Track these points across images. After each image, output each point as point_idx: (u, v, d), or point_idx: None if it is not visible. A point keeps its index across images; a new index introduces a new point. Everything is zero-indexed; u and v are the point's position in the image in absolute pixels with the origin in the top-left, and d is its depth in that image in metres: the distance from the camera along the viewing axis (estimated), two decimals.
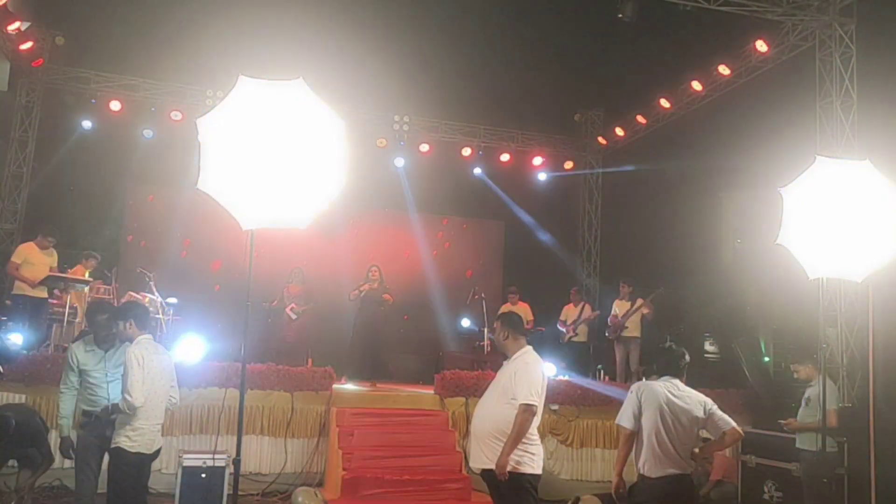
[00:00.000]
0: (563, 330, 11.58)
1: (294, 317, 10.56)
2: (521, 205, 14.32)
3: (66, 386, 5.10)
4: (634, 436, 4.57)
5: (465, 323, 12.20)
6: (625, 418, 4.60)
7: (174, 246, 12.50)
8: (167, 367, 5.05)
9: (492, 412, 4.67)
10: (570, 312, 11.68)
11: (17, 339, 7.69)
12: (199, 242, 12.61)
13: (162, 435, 5.21)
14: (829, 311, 8.51)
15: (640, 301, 10.67)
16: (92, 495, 5.06)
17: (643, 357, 10.60)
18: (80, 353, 5.12)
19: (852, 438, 7.38)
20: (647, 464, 4.52)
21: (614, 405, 8.53)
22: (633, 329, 10.70)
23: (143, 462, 4.91)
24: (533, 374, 4.69)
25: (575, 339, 11.47)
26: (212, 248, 12.42)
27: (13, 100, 12.04)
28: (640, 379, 10.08)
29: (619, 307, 10.93)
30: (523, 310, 11.30)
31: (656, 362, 4.94)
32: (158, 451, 5.08)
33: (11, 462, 6.01)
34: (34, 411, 6.44)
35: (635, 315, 10.70)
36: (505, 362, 4.88)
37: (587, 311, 11.54)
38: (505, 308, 10.97)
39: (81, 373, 5.08)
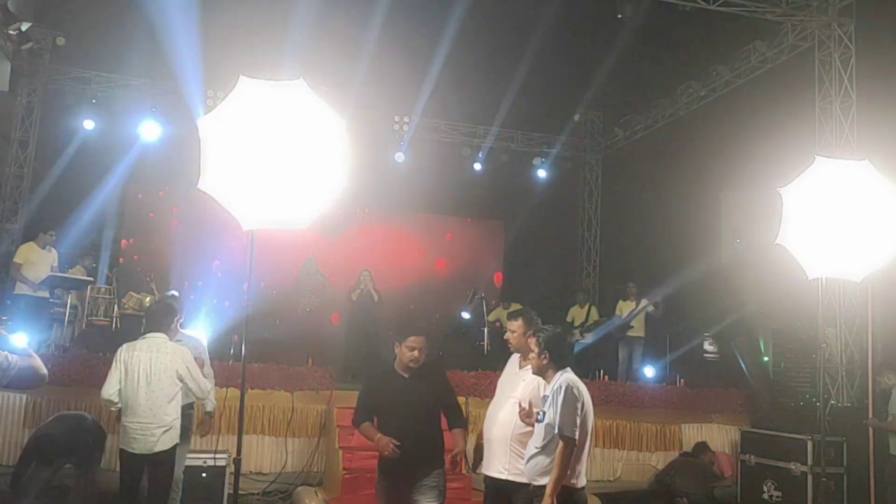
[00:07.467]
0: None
1: (308, 309, 10.12)
2: (521, 205, 14.32)
3: None
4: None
5: (466, 315, 12.14)
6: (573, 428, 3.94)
7: (174, 246, 12.50)
8: (163, 366, 4.88)
9: (510, 416, 4.35)
10: (576, 314, 11.66)
11: (20, 339, 7.66)
12: (199, 242, 12.60)
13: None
14: (829, 310, 8.51)
15: (644, 301, 10.65)
16: None
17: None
18: None
19: (852, 438, 7.41)
20: (581, 474, 4.09)
21: (613, 405, 8.61)
22: (638, 329, 10.70)
23: (130, 460, 4.82)
24: None
25: (581, 340, 11.46)
26: (211, 248, 12.41)
27: (14, 100, 12.05)
28: (637, 379, 10.15)
29: (623, 307, 10.91)
30: None
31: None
32: (153, 456, 4.84)
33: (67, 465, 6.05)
34: (83, 417, 6.23)
35: (640, 315, 10.70)
36: (515, 368, 4.63)
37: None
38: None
39: None
